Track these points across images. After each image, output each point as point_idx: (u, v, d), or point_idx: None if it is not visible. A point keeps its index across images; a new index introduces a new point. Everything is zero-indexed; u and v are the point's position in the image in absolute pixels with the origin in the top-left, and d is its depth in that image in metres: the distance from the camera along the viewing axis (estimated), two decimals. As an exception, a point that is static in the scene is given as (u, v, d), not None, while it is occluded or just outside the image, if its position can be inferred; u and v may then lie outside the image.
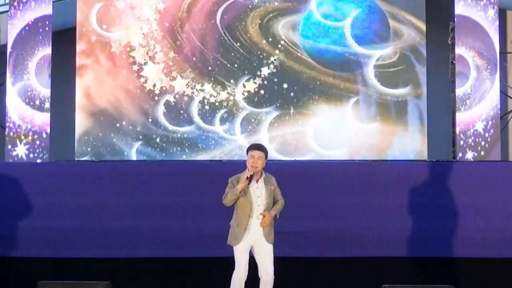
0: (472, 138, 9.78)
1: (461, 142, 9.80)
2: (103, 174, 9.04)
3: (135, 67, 10.48)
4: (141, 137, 10.43)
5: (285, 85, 10.41)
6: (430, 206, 8.69)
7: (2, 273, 8.76)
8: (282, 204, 6.89)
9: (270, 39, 10.47)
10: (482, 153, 9.74)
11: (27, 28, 10.04)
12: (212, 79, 10.46)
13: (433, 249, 8.65)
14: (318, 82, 10.41)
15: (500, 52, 10.03)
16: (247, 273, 6.73)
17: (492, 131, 9.78)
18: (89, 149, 10.42)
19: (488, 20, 9.84)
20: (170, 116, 10.43)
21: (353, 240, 8.67)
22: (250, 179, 6.64)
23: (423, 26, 10.38)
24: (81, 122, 10.45)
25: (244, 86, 10.43)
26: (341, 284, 8.64)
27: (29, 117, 9.99)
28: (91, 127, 10.43)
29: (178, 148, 10.40)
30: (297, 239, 8.63)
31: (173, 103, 10.43)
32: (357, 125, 10.34)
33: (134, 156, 10.36)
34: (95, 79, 10.50)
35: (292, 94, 10.40)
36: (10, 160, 9.86)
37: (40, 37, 10.05)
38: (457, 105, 9.90)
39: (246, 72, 10.46)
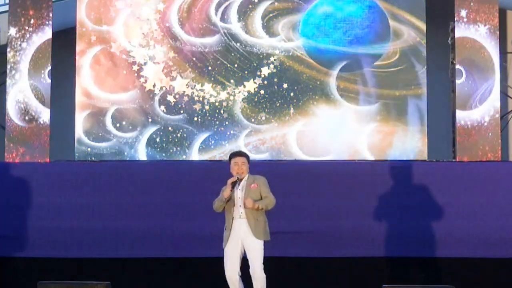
0: (472, 138, 9.77)
1: (461, 142, 9.80)
2: (103, 174, 9.05)
3: (135, 67, 10.48)
4: (141, 137, 10.42)
5: (285, 85, 10.41)
6: (430, 206, 8.69)
7: (2, 273, 8.77)
8: (270, 201, 6.96)
9: (270, 39, 10.46)
10: (482, 153, 9.73)
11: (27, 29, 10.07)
12: (212, 79, 10.46)
13: (433, 249, 8.65)
14: (318, 82, 10.40)
15: (500, 52, 10.02)
16: (236, 272, 6.91)
17: (492, 131, 9.78)
18: (89, 149, 10.42)
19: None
20: (170, 116, 10.42)
21: (353, 240, 8.68)
22: (233, 185, 6.89)
23: (423, 26, 10.37)
24: (81, 122, 10.45)
25: (244, 86, 10.43)
26: (341, 284, 8.64)
27: (29, 117, 9.98)
28: (91, 127, 10.43)
29: (178, 148, 10.39)
30: (297, 239, 8.64)
31: (173, 103, 10.43)
32: (357, 125, 10.33)
33: (134, 156, 10.36)
34: (95, 79, 10.50)
35: (292, 94, 10.40)
36: (10, 160, 9.85)
37: (40, 38, 10.07)
38: (457, 105, 9.90)
39: (246, 72, 10.45)
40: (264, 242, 6.96)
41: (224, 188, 6.96)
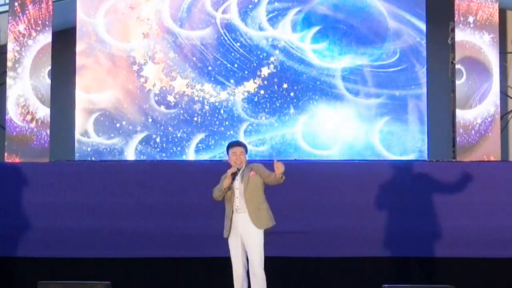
0: (472, 138, 9.78)
1: (461, 142, 9.80)
2: (103, 174, 9.04)
3: (135, 67, 10.48)
4: (141, 137, 10.42)
5: (285, 85, 10.41)
6: (430, 206, 8.69)
7: (2, 273, 8.77)
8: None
9: (270, 39, 10.46)
10: (482, 153, 9.73)
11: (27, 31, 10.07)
12: (212, 79, 10.46)
13: (433, 249, 8.65)
14: (318, 82, 10.41)
15: (500, 52, 10.02)
16: (245, 269, 6.86)
17: (492, 131, 9.78)
18: (89, 149, 10.42)
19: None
20: (170, 116, 10.42)
21: (353, 240, 8.68)
22: (234, 175, 6.88)
23: (423, 26, 10.38)
24: (81, 122, 10.45)
25: (244, 86, 10.43)
26: (341, 284, 8.64)
27: (29, 116, 9.98)
28: (91, 127, 10.43)
29: (178, 148, 10.39)
30: (296, 239, 8.64)
31: (173, 103, 10.43)
32: (357, 125, 10.34)
33: (134, 156, 10.36)
34: (95, 79, 10.50)
35: (292, 94, 10.40)
36: (10, 160, 9.85)
37: (41, 38, 10.07)
38: (457, 105, 9.90)
39: (246, 72, 10.45)
40: (268, 228, 6.89)
41: (223, 176, 6.95)
